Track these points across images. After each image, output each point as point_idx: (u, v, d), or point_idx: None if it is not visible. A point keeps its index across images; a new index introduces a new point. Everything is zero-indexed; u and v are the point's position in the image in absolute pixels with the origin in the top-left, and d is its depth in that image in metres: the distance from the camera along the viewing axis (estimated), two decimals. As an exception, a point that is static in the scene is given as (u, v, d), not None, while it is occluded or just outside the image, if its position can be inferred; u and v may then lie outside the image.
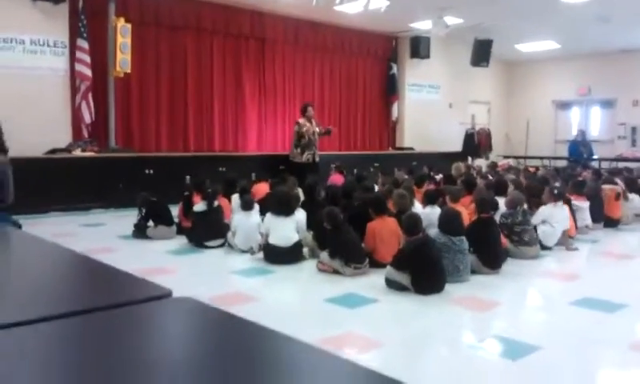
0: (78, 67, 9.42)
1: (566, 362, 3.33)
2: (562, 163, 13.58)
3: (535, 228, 6.14)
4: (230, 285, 4.89)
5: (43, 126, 8.89)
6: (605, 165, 13.00)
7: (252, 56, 12.10)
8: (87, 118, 9.57)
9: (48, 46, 9.21)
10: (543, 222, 6.28)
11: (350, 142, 14.00)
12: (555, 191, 6.40)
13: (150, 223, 6.81)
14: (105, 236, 6.95)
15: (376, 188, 8.42)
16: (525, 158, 15.10)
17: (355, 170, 11.82)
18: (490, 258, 5.20)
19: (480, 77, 15.66)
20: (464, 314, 4.20)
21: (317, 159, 10.29)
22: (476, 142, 14.30)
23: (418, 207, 6.39)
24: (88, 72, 9.47)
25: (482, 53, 14.63)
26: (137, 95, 10.59)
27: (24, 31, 8.91)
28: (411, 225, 4.83)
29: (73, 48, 9.41)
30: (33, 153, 8.58)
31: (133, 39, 9.77)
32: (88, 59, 9.48)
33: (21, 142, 8.38)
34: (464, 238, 5.02)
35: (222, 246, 6.28)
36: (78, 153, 9.11)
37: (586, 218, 7.30)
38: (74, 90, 9.49)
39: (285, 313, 4.18)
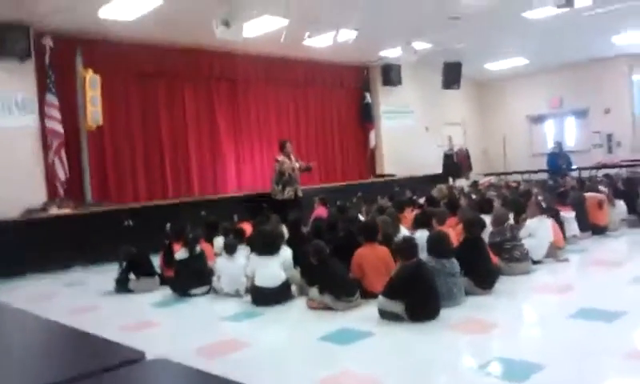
0: (49, 124, 9.28)
1: (572, 377, 3.22)
2: (542, 176, 13.62)
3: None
4: (220, 332, 4.70)
5: (16, 186, 8.68)
6: (585, 174, 13.06)
7: (225, 97, 12.06)
8: (62, 175, 9.39)
9: (16, 104, 9.04)
10: (529, 235, 6.21)
11: (329, 173, 13.94)
12: (542, 204, 6.34)
13: (132, 276, 6.60)
14: (86, 294, 6.73)
15: (361, 217, 8.36)
16: (504, 174, 15.16)
17: (338, 202, 11.77)
18: (482, 278, 5.10)
19: (453, 98, 15.81)
20: (462, 338, 4.07)
21: (299, 194, 10.19)
22: (456, 162, 14.33)
23: (404, 232, 6.30)
24: (59, 128, 9.34)
25: (452, 75, 14.81)
26: (110, 147, 10.44)
27: (-8, 91, 8.77)
28: (407, 249, 4.70)
29: (42, 104, 9.28)
30: (7, 214, 8.36)
31: (103, 90, 9.65)
32: (58, 115, 9.35)
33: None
34: (454, 260, 4.93)
35: (207, 292, 6.09)
36: (54, 211, 8.90)
37: (573, 228, 7.27)
38: (47, 147, 9.32)
39: (279, 356, 4.02)
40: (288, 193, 10.01)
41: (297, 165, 10.17)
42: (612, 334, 3.88)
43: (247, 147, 12.36)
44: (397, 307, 4.47)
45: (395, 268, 5.01)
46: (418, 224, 6.12)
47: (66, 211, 9.00)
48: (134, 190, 10.72)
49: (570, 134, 16.48)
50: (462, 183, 13.61)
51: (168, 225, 8.91)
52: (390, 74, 14.30)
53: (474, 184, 11.53)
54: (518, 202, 7.18)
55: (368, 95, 14.55)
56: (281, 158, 10.06)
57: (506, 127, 17.03)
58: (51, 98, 9.31)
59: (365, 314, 4.72)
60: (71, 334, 1.67)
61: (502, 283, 5.42)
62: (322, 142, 13.91)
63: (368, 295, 5.10)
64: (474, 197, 9.00)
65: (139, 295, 6.33)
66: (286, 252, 5.94)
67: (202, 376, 1.23)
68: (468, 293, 5.01)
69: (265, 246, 5.58)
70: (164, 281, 6.56)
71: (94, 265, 8.48)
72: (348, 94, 14.49)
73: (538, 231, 6.24)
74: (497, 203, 7.42)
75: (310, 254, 5.29)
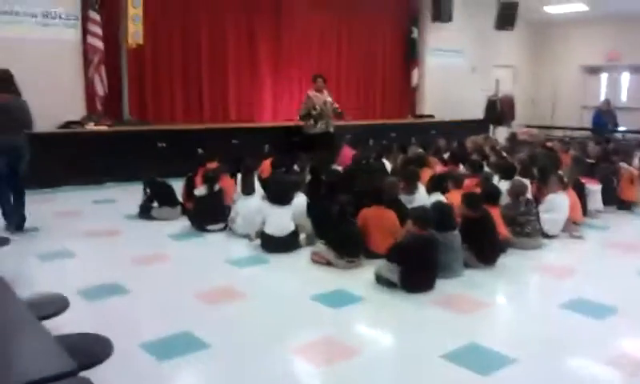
0: (90, 40, 9.45)
1: (538, 377, 3.29)
2: (586, 134, 13.17)
3: (538, 217, 6.02)
4: (221, 277, 4.92)
5: (57, 99, 8.94)
6: (630, 138, 12.55)
7: (267, 23, 11.89)
8: (100, 91, 9.64)
9: (60, 18, 9.21)
10: (548, 210, 6.14)
11: (368, 109, 13.78)
12: (563, 179, 6.20)
13: (155, 204, 6.90)
14: (111, 215, 7.07)
15: (388, 166, 8.34)
16: (548, 127, 14.68)
17: (371, 141, 11.73)
18: (484, 254, 5.11)
19: (505, 40, 15.17)
20: (446, 317, 4.16)
21: (331, 129, 10.16)
22: (499, 109, 13.92)
23: (422, 193, 6.30)
24: (100, 44, 9.50)
25: (507, 16, 14.16)
26: (150, 66, 10.56)
27: (35, 4, 8.92)
28: (421, 218, 4.73)
29: (85, 20, 9.42)
30: (46, 127, 8.69)
31: (145, 9, 9.68)
32: (100, 31, 9.50)
33: (34, 116, 8.52)
34: (457, 233, 4.96)
35: (223, 229, 6.33)
36: (90, 127, 9.21)
37: (596, 200, 7.12)
38: (87, 63, 9.53)
39: (269, 313, 4.20)
40: (320, 127, 9.99)
41: (329, 99, 10.06)
42: (596, 334, 3.90)
43: (286, 77, 12.28)
44: (393, 275, 4.59)
45: (402, 232, 5.09)
46: (432, 187, 6.08)
47: (102, 128, 9.30)
48: (171, 111, 10.91)
49: (624, 90, 15.69)
50: (502, 133, 13.29)
51: (199, 150, 9.17)
52: (441, 10, 13.70)
53: (512, 136, 11.22)
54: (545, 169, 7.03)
55: (415, 30, 14.09)
56: (311, 92, 9.98)
57: (558, 76, 16.29)
58: (93, 15, 9.43)
59: (362, 277, 4.85)
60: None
61: (509, 257, 5.45)
62: (363, 76, 13.67)
63: (371, 255, 5.23)
64: (504, 154, 8.81)
65: (160, 223, 6.64)
66: (299, 200, 6.07)
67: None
68: (469, 266, 5.07)
69: (277, 196, 5.71)
70: (185, 211, 6.84)
71: (125, 182, 8.81)
72: (394, 28, 14.05)
73: (557, 206, 6.15)
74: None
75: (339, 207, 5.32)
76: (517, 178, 6.80)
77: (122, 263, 5.23)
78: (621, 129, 13.48)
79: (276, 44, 12.09)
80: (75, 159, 8.80)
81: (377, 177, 6.60)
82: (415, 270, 4.52)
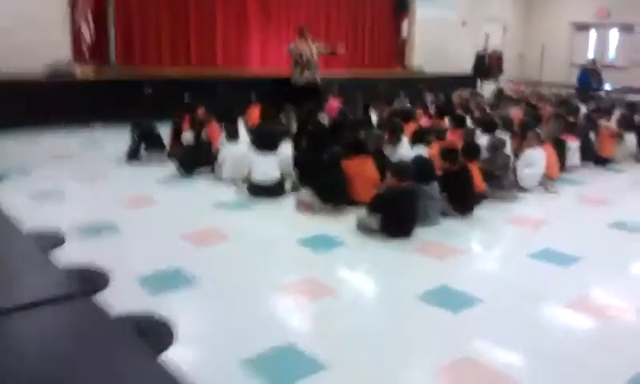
0: (77, -18, 9.35)
1: (499, 317, 3.54)
2: (571, 91, 13.31)
3: (515, 171, 6.23)
4: (208, 219, 5.11)
5: (43, 42, 8.93)
6: (615, 96, 12.71)
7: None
8: (87, 37, 9.60)
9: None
10: (527, 165, 6.34)
11: (356, 59, 13.80)
12: (539, 135, 6.39)
13: (142, 147, 7.01)
14: (101, 159, 7.17)
15: (374, 119, 8.47)
16: (533, 84, 14.79)
17: (358, 94, 11.76)
18: (461, 204, 5.33)
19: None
20: (422, 262, 4.39)
21: (318, 80, 10.21)
22: (486, 65, 14.01)
23: (405, 146, 6.47)
24: (86, -13, 9.41)
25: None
26: (137, 9, 10.51)
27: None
28: (401, 170, 4.92)
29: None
30: (33, 68, 8.70)
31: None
32: (86, -27, 9.39)
33: (22, 59, 8.52)
34: (435, 184, 5.16)
35: (210, 171, 6.46)
36: (77, 72, 9.19)
37: (574, 157, 7.34)
38: (74, 8, 9.43)
39: (253, 254, 4.40)
40: (306, 76, 10.01)
41: (315, 50, 10.06)
42: (560, 280, 4.15)
43: (274, 26, 12.23)
44: (373, 222, 4.80)
45: (382, 184, 5.29)
46: (415, 140, 6.26)
47: (89, 74, 9.29)
48: (158, 55, 10.92)
49: (612, 48, 15.79)
50: (490, 87, 13.41)
51: (186, 94, 9.18)
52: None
53: (499, 92, 11.35)
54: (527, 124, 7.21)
55: (406, -19, 14.01)
56: (297, 43, 9.96)
57: (548, 33, 16.32)
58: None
59: (344, 224, 5.05)
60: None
61: (484, 209, 5.67)
62: (352, 27, 13.65)
63: (353, 203, 5.43)
64: (488, 110, 8.98)
65: (147, 168, 6.77)
66: (285, 149, 6.22)
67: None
68: (445, 214, 5.30)
69: (263, 144, 5.85)
70: (171, 155, 6.95)
71: (113, 126, 8.86)
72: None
73: (536, 161, 6.35)
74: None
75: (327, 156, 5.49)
76: (497, 132, 7.01)
77: (111, 205, 5.39)
78: (606, 88, 13.64)
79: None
80: (62, 102, 8.81)
81: (362, 129, 6.74)
82: (394, 218, 4.73)
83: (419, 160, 5.25)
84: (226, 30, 11.61)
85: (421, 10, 14.28)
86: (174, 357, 2.69)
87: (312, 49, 9.96)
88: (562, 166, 6.98)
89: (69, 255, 3.07)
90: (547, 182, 6.49)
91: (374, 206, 4.79)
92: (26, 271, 1.89)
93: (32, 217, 4.75)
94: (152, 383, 1.31)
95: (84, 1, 9.40)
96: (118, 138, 7.59)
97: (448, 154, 5.42)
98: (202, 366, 2.87)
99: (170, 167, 6.68)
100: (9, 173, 6.20)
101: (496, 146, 6.07)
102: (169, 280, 3.81)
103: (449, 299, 3.72)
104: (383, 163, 5.63)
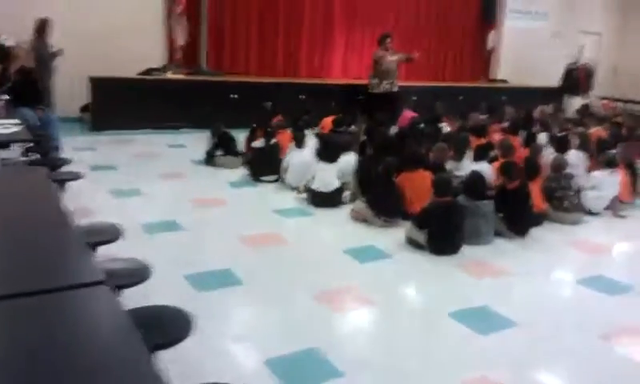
0: (173, -9, 10.05)
1: (528, 342, 3.57)
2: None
3: (579, 193, 6.10)
4: (267, 224, 5.44)
5: (140, 47, 9.71)
6: None
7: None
8: (181, 40, 10.28)
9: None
10: (593, 187, 6.18)
11: (438, 71, 13.74)
12: (610, 158, 6.20)
13: (219, 152, 7.48)
14: (181, 160, 7.73)
15: (447, 129, 8.48)
16: (628, 101, 14.03)
17: (437, 103, 11.75)
18: (516, 224, 5.32)
19: (593, 5, 14.46)
20: (464, 280, 4.46)
21: (395, 89, 10.35)
22: (575, 79, 13.48)
23: (466, 162, 6.47)
24: (182, -5, 10.10)
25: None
26: (229, 19, 11.10)
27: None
28: (440, 186, 5.01)
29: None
30: (129, 73, 9.48)
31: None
32: (182, -17, 10.07)
33: (119, 61, 9.30)
34: (488, 202, 5.18)
35: (276, 181, 6.82)
36: (170, 75, 9.90)
37: (651, 181, 7.02)
38: (169, 13, 10.16)
39: (302, 259, 4.67)
40: (384, 86, 10.20)
41: (395, 58, 10.21)
42: (603, 308, 4.09)
43: (358, 36, 12.45)
44: (420, 237, 4.92)
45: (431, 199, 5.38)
46: (477, 156, 6.27)
47: (180, 76, 9.98)
48: (246, 63, 11.45)
49: None
50: (577, 103, 12.90)
51: (267, 104, 9.65)
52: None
53: (584, 109, 10.96)
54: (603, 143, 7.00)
55: (493, -9, 13.77)
56: (380, 52, 10.17)
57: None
58: (177, -34, 10.02)
59: (395, 237, 5.20)
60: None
61: (543, 230, 5.63)
62: (436, 37, 13.56)
63: (408, 217, 5.54)
64: (568, 127, 8.73)
65: (222, 170, 7.23)
66: (348, 158, 6.42)
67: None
68: (501, 234, 5.31)
69: (324, 153, 6.11)
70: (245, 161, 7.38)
71: (198, 129, 9.44)
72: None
73: (602, 184, 6.18)
74: (578, 142, 7.28)
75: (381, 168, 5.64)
76: (572, 151, 6.86)
77: (181, 204, 5.86)
78: None
79: (350, 1, 12.25)
80: (154, 105, 9.54)
81: (426, 141, 6.82)
82: (439, 234, 4.82)
83: (472, 176, 5.29)
84: (311, 40, 11.97)
85: (510, 22, 13.98)
86: (198, 349, 3.00)
87: (392, 57, 10.12)
88: (635, 190, 6.72)
89: (127, 249, 3.42)
90: (617, 205, 6.29)
91: (419, 221, 4.91)
92: (57, 260, 2.23)
93: (106, 211, 5.25)
94: (126, 377, 1.54)
95: (180, 7, 10.05)
96: (202, 142, 8.09)
97: (505, 169, 5.42)
98: (228, 362, 3.16)
99: (243, 172, 7.10)
100: (96, 169, 6.86)
101: (558, 165, 5.97)
102: (217, 279, 4.14)
103: (481, 320, 3.79)
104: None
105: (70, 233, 2.42)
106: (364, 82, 10.70)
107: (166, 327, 2.23)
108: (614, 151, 6.55)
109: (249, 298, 3.97)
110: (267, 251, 4.79)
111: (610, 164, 6.15)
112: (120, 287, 2.55)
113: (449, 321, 3.75)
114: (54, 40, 8.13)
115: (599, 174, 6.17)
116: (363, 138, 7.50)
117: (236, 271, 4.27)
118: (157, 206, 5.77)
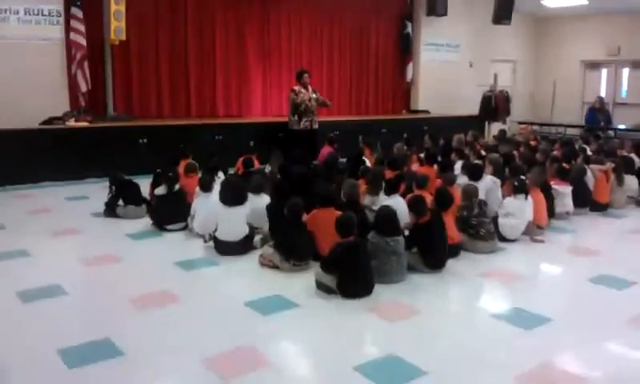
0: (73, 36, 9.53)
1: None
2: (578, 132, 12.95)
3: (496, 220, 5.95)
4: (163, 280, 4.90)
5: (40, 95, 9.11)
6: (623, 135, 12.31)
7: (255, 17, 11.82)
8: (83, 87, 9.72)
9: (42, 15, 9.32)
10: (507, 214, 6.05)
11: (361, 105, 13.70)
12: (515, 184, 6.09)
13: (120, 202, 6.94)
14: (79, 213, 7.12)
15: (368, 164, 8.27)
16: (542, 124, 14.45)
17: (360, 137, 11.58)
18: (430, 259, 5.06)
19: (503, 35, 14.89)
20: (376, 325, 4.13)
21: (315, 126, 10.18)
22: (493, 106, 13.72)
23: (382, 196, 6.22)
24: (82, 41, 9.57)
25: (504, 9, 13.87)
26: (136, 61, 10.60)
27: (18, 1, 9.01)
28: (342, 226, 4.72)
29: (68, 17, 9.49)
30: (31, 123, 8.82)
31: (130, 3, 9.72)
32: (82, 28, 9.57)
33: (18, 113, 8.67)
34: (400, 238, 4.90)
35: (183, 229, 6.34)
36: (71, 123, 9.28)
37: (566, 203, 6.99)
38: (71, 59, 9.60)
39: (195, 319, 4.18)
40: (304, 123, 10.02)
41: (314, 96, 10.07)
42: (519, 346, 3.84)
43: (275, 72, 12.22)
44: (329, 280, 4.57)
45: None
46: (389, 189, 6.02)
47: (84, 123, 9.38)
48: (158, 106, 10.94)
49: (624, 85, 15.36)
50: (497, 129, 13.10)
51: (181, 146, 9.15)
52: (436, 3, 13.53)
53: (501, 134, 11.05)
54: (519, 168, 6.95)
55: (409, 25, 13.92)
56: (297, 87, 10.00)
57: (558, 72, 15.96)
58: (76, 11, 9.52)
59: (303, 283, 4.82)
60: None
61: (459, 260, 5.42)
62: (356, 72, 13.53)
63: (319, 259, 5.18)
64: (483, 154, 8.69)
65: (123, 222, 6.68)
66: (261, 200, 6.01)
67: None
68: (415, 269, 5.03)
69: (227, 197, 5.67)
70: (148, 210, 6.86)
71: (105, 178, 8.82)
72: (388, 23, 13.88)
73: (516, 210, 6.05)
74: (491, 169, 7.20)
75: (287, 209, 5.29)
76: (488, 177, 6.75)
77: (70, 264, 5.29)
78: (620, 127, 13.22)
79: (264, 38, 12.04)
80: (56, 155, 8.91)
81: (337, 178, 6.55)
82: (348, 276, 4.49)
83: (381, 211, 5.01)
84: (225, 80, 11.54)
85: (425, 54, 14.17)
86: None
87: (310, 95, 9.96)
88: (551, 213, 6.65)
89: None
90: (534, 230, 6.17)
91: (325, 263, 4.57)
92: None
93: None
94: None
95: (81, 54, 9.51)
96: (106, 192, 7.52)
97: (414, 205, 5.18)
98: None
99: (147, 221, 6.59)
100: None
101: (470, 194, 5.80)
102: (94, 351, 3.60)
103: (388, 372, 3.44)
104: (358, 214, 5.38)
105: None
106: (285, 119, 10.47)
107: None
108: (524, 177, 6.45)
109: (129, 371, 3.46)
110: (156, 313, 4.27)
111: (521, 189, 6.02)
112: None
113: (352, 376, 3.38)
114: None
115: (512, 200, 6.04)
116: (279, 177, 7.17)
117: (117, 340, 3.75)
118: (42, 269, 5.16)
